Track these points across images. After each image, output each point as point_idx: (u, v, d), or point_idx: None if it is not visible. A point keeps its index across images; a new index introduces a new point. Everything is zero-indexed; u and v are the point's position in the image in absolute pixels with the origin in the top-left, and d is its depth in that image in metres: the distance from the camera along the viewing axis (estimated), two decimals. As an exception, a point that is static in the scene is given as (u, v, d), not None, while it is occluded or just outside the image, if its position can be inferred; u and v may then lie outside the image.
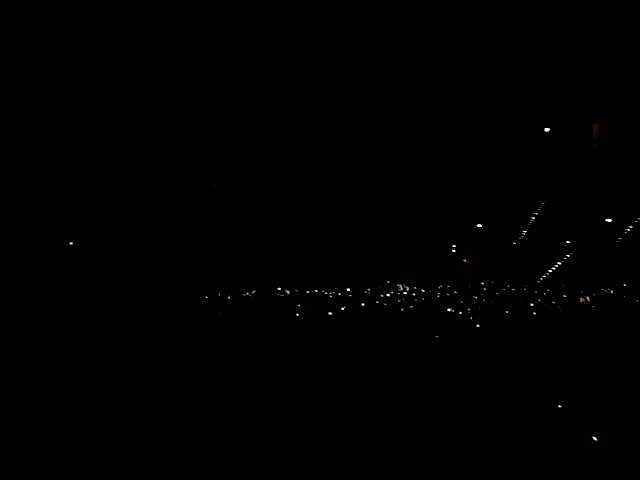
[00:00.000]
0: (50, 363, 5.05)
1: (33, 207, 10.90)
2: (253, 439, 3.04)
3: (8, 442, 2.95)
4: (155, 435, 3.11)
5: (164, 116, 12.62)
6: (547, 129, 19.77)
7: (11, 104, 9.66)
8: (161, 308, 8.91)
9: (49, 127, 11.02)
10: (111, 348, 5.70)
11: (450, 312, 7.83)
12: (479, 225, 20.55)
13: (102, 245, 10.59)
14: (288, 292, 12.32)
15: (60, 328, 6.76)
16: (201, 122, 13.55)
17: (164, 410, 3.57)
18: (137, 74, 12.00)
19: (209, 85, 12.91)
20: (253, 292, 13.01)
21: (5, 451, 2.83)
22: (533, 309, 7.90)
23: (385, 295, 12.26)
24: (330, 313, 6.89)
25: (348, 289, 13.39)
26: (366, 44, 13.25)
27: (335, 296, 11.14)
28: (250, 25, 11.85)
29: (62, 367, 4.86)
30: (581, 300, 9.77)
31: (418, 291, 12.92)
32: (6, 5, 9.80)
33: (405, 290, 13.21)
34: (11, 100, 9.68)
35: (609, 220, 17.20)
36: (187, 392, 4.00)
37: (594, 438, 2.82)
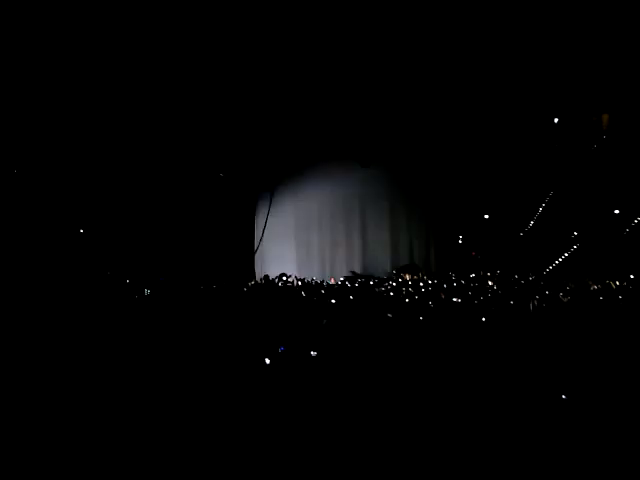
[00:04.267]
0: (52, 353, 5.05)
1: (34, 201, 10.92)
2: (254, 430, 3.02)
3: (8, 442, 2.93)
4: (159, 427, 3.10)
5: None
6: (556, 120, 19.56)
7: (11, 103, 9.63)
8: (167, 298, 8.91)
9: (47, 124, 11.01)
10: (114, 338, 5.71)
11: (456, 302, 7.78)
12: (486, 216, 20.44)
13: (105, 235, 10.58)
14: (292, 281, 12.31)
15: (63, 319, 6.78)
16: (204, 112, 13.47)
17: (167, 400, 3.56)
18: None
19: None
20: (257, 281, 13.01)
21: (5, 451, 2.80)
22: (540, 300, 7.83)
23: (391, 285, 12.21)
24: (333, 301, 6.88)
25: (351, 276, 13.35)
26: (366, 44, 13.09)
27: (339, 285, 11.12)
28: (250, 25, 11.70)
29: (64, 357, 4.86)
30: (588, 290, 9.69)
31: (424, 281, 12.87)
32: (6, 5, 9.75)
33: (410, 280, 13.17)
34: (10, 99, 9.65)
35: (617, 212, 17.05)
36: (191, 382, 3.99)
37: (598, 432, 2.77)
